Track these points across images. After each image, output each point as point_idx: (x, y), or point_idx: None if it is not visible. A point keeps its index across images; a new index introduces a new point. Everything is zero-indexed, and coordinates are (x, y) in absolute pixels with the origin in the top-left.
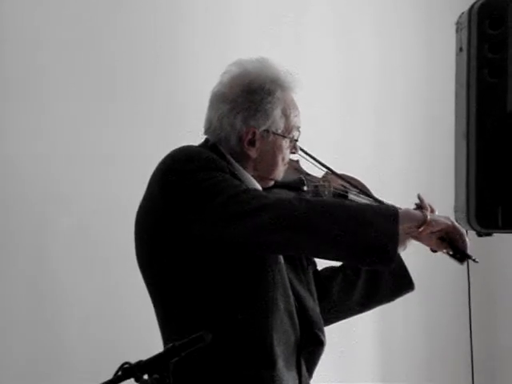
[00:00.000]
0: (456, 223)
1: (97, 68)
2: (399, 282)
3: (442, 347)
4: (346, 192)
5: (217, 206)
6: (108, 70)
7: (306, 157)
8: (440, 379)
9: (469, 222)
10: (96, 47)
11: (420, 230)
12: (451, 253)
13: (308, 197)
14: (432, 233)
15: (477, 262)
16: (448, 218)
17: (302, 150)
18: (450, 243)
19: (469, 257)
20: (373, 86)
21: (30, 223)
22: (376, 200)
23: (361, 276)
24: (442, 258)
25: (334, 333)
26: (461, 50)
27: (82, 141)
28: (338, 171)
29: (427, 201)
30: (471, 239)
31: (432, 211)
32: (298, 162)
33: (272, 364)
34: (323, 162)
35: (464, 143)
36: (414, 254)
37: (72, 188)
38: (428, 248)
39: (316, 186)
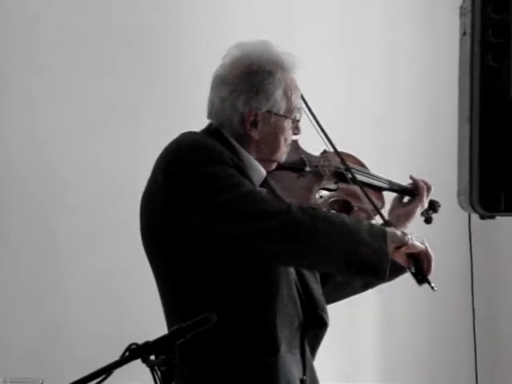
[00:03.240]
0: (429, 249)
1: (98, 58)
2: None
3: (445, 347)
4: (347, 171)
5: (220, 205)
6: (110, 57)
7: (316, 126)
8: (443, 379)
9: (472, 205)
10: (96, 40)
11: (398, 250)
12: (413, 271)
13: (309, 209)
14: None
15: (435, 290)
16: (423, 242)
17: (314, 117)
18: (416, 263)
19: (429, 282)
20: (376, 71)
21: (36, 211)
22: (375, 177)
23: None
24: (446, 258)
25: (335, 332)
26: (464, 34)
27: (84, 127)
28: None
29: (420, 178)
30: (474, 222)
31: (428, 187)
32: (297, 141)
33: (275, 350)
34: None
35: (467, 127)
36: None
37: (75, 171)
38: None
39: (316, 166)
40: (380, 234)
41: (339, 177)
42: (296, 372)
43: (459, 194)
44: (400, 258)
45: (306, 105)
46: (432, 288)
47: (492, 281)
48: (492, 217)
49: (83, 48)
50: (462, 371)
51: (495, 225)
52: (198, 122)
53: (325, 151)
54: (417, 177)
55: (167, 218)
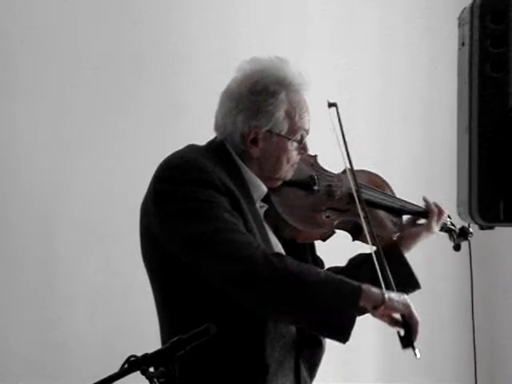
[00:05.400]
0: (415, 312)
1: (101, 64)
2: (405, 284)
3: (445, 347)
4: (358, 193)
5: (187, 235)
6: (112, 64)
7: (340, 142)
8: (443, 380)
9: (471, 215)
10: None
11: (376, 309)
12: (401, 335)
13: (276, 259)
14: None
15: (417, 357)
16: (407, 305)
17: (343, 138)
18: (405, 327)
19: (413, 348)
20: (374, 82)
21: (37, 219)
22: (395, 199)
23: (364, 277)
24: (444, 257)
25: None
26: (463, 44)
27: (86, 136)
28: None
29: (432, 200)
30: (474, 232)
31: (440, 212)
32: (315, 157)
33: (263, 373)
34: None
35: (466, 137)
36: (415, 255)
37: (77, 181)
38: (429, 250)
39: (329, 185)
40: (351, 293)
41: (352, 198)
42: None
43: (458, 204)
44: (384, 318)
45: (339, 120)
46: (415, 355)
47: (491, 283)
48: (491, 227)
49: (83, 56)
50: (461, 371)
51: (494, 234)
52: (197, 132)
53: (345, 170)
54: (430, 199)
55: (156, 232)
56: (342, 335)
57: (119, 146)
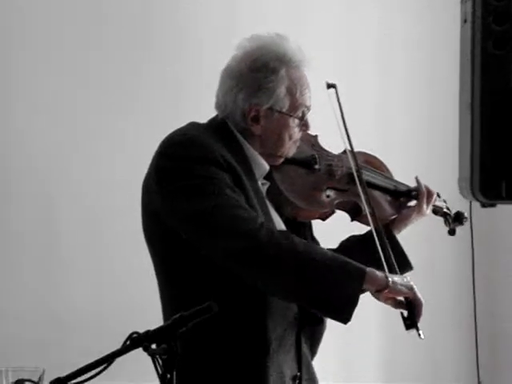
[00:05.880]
0: (418, 294)
1: (100, 55)
2: (397, 265)
3: (446, 347)
4: (359, 174)
5: (191, 211)
6: (112, 64)
7: (339, 123)
8: (444, 380)
9: (473, 192)
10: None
11: (379, 293)
12: (405, 316)
13: (280, 235)
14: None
15: (421, 338)
16: (411, 288)
17: (343, 118)
18: (409, 308)
19: (417, 329)
20: (374, 60)
21: (40, 207)
22: (392, 181)
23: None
24: (446, 235)
25: (335, 332)
26: (465, 21)
27: (85, 135)
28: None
29: (424, 182)
30: (475, 209)
31: (429, 194)
32: (316, 137)
33: (265, 350)
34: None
35: (468, 115)
36: (416, 232)
37: (79, 171)
38: (429, 227)
39: (330, 165)
40: (355, 276)
41: (352, 178)
42: (288, 369)
43: (460, 181)
44: (387, 301)
45: (338, 101)
46: (419, 335)
47: (494, 280)
48: (493, 205)
49: (83, 55)
50: (463, 372)
51: (495, 212)
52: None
53: (345, 151)
54: (420, 180)
55: (158, 208)
56: (343, 315)
57: (119, 145)
